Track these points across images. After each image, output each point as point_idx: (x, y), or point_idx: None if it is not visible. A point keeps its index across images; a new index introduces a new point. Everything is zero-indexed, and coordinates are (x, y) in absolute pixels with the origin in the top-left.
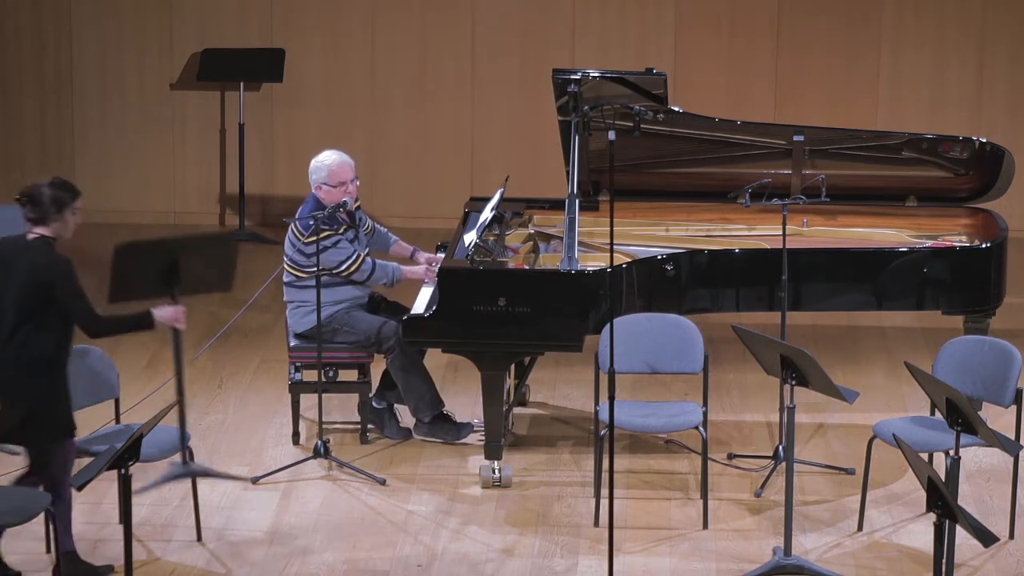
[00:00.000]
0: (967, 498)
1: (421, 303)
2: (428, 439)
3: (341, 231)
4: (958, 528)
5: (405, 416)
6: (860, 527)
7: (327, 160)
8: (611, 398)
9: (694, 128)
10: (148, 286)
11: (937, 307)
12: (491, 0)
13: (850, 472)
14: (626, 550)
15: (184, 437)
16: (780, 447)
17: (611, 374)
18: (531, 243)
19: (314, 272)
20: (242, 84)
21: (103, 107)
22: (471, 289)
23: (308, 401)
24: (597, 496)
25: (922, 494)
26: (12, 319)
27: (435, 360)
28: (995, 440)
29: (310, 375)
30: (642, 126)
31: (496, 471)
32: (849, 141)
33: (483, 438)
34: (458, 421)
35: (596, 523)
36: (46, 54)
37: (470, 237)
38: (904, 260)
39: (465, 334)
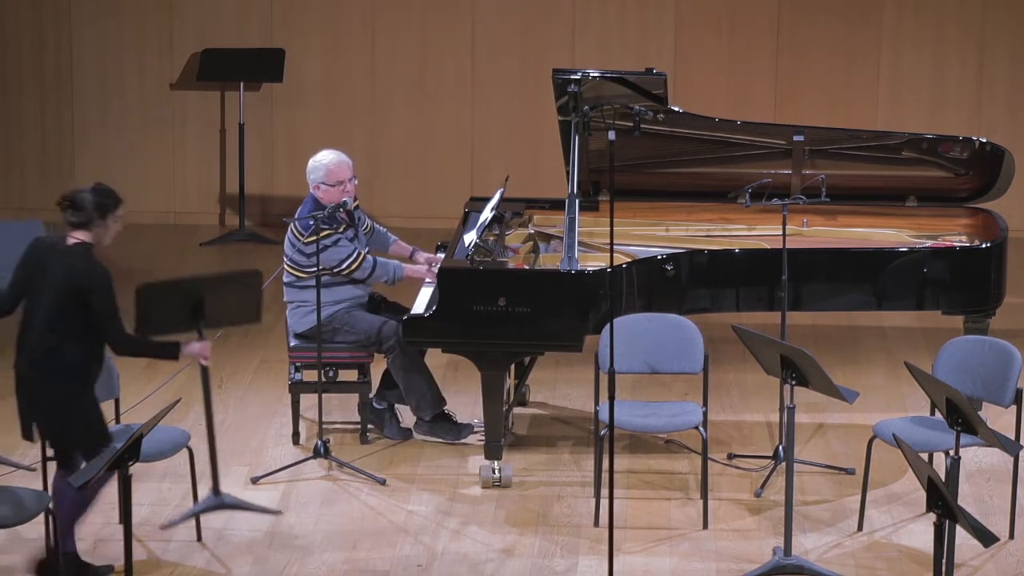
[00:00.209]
0: (967, 498)
1: (421, 303)
2: (428, 439)
3: (341, 230)
4: (958, 528)
5: (406, 416)
6: (860, 527)
7: (325, 160)
8: (611, 398)
9: (694, 128)
10: (173, 324)
11: (937, 307)
12: (491, 0)
13: (850, 472)
14: (626, 550)
15: (215, 472)
16: (780, 447)
17: (611, 374)
18: (531, 243)
19: (314, 272)
20: (242, 84)
21: (103, 107)
22: (471, 289)
23: (308, 401)
24: (597, 496)
25: (922, 494)
26: (43, 325)
27: (435, 360)
28: (995, 440)
29: (310, 375)
30: (642, 126)
31: (496, 471)
32: (849, 141)
33: (483, 438)
34: (458, 422)
35: (596, 523)
36: (46, 54)
37: (470, 237)
38: (904, 260)
39: (465, 334)
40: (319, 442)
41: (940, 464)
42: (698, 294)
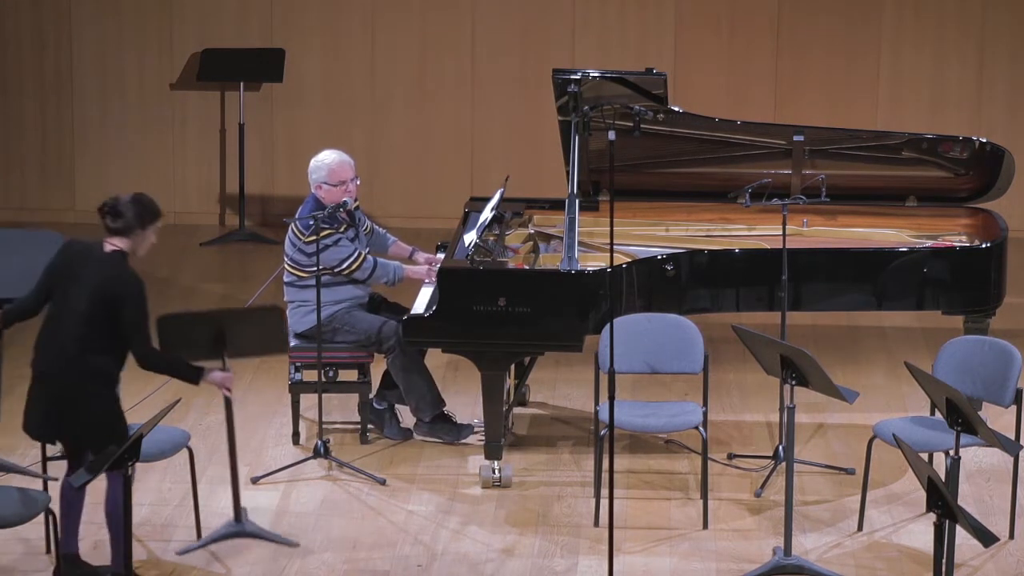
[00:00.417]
0: (967, 498)
1: (421, 303)
2: (428, 439)
3: (342, 230)
4: (958, 528)
5: (406, 416)
6: (860, 527)
7: (327, 159)
8: (611, 398)
9: (694, 128)
10: (195, 353)
11: (937, 307)
12: (491, 0)
13: (850, 472)
14: (626, 550)
15: (237, 499)
16: (780, 447)
17: (611, 374)
18: (531, 243)
19: (315, 272)
20: (242, 84)
21: (103, 107)
22: (471, 289)
23: (308, 401)
24: (597, 496)
25: (922, 494)
26: (73, 328)
27: (435, 360)
28: (995, 440)
29: (310, 375)
30: (642, 126)
31: (496, 471)
32: (849, 141)
33: (483, 438)
34: (458, 423)
35: (596, 523)
36: (46, 54)
37: (470, 237)
38: (904, 260)
39: (465, 334)
40: (319, 442)
41: (940, 464)
42: (698, 294)
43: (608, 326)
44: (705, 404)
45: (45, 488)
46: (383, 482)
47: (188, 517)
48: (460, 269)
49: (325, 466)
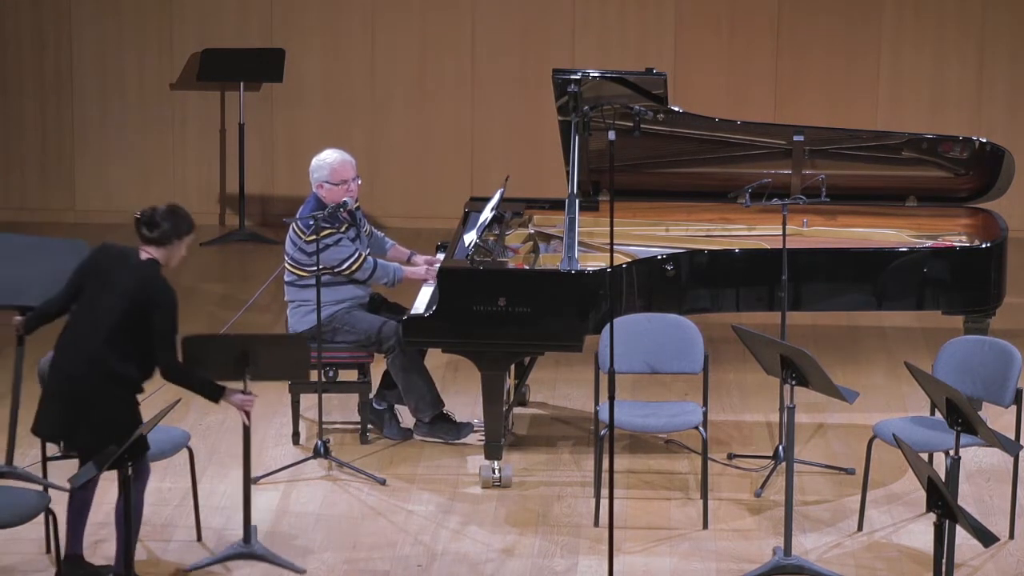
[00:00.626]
0: (967, 498)
1: (421, 303)
2: (428, 439)
3: (343, 230)
4: (958, 528)
5: (405, 416)
6: (860, 527)
7: (329, 159)
8: (611, 398)
9: (694, 128)
10: (217, 373)
11: (937, 307)
12: (491, 0)
13: (850, 472)
14: (626, 550)
15: (248, 520)
16: (780, 447)
17: (611, 374)
18: (531, 243)
19: (315, 271)
20: (242, 84)
21: (103, 107)
22: (471, 289)
23: (308, 401)
24: (597, 496)
25: (922, 494)
26: (102, 331)
27: (435, 360)
28: (995, 440)
29: (310, 375)
30: (642, 126)
31: (496, 471)
32: (849, 141)
33: (483, 438)
34: (458, 421)
35: (596, 523)
36: (46, 54)
37: (470, 237)
38: (904, 260)
39: (465, 334)
40: (319, 442)
41: (940, 464)
42: (698, 294)
43: (608, 326)
44: (705, 404)
45: (46, 489)
46: (383, 482)
47: (188, 517)
48: (460, 269)
49: (325, 466)
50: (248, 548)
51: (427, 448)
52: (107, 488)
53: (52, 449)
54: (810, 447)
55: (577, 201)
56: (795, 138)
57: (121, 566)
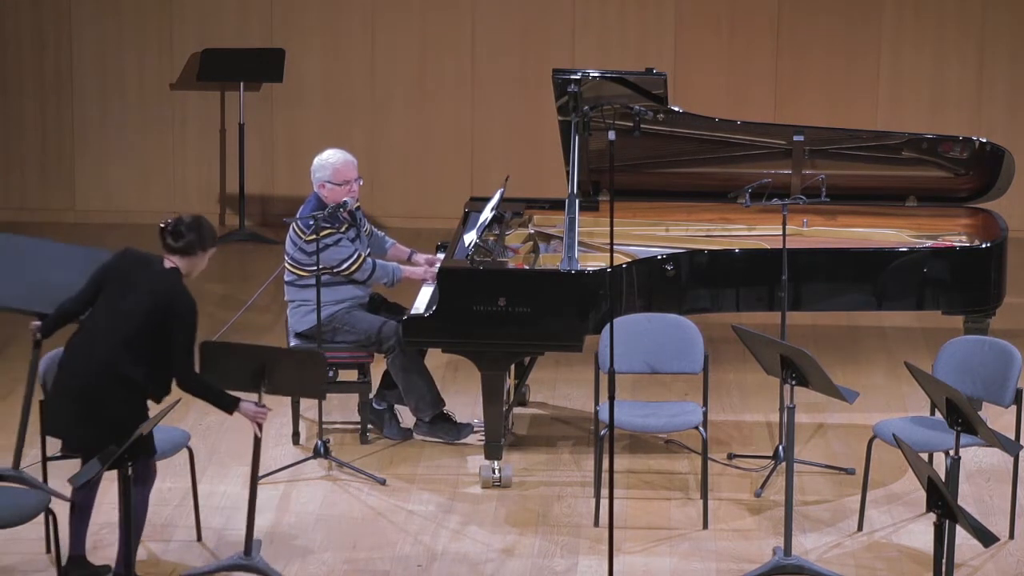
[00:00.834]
0: (967, 498)
1: (421, 303)
2: (428, 439)
3: (343, 230)
4: (958, 528)
5: (405, 416)
6: (860, 527)
7: (332, 159)
8: (611, 398)
9: (694, 128)
10: (233, 383)
11: (937, 307)
12: (491, 0)
13: (850, 472)
14: (626, 550)
15: (250, 532)
16: (780, 447)
17: (611, 374)
18: (531, 243)
19: (315, 271)
20: (242, 84)
21: (103, 107)
22: (471, 289)
23: (308, 401)
24: (597, 496)
25: (922, 494)
26: (118, 334)
27: (435, 360)
28: (995, 440)
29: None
30: (642, 126)
31: (496, 471)
32: (849, 141)
33: (483, 438)
34: (458, 421)
35: (596, 523)
36: (46, 54)
37: (470, 237)
38: (904, 260)
39: (465, 334)
40: (319, 442)
41: (940, 464)
42: (698, 294)
43: (608, 326)
44: (705, 404)
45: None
46: (383, 482)
47: (188, 517)
48: (460, 269)
49: (325, 466)
50: (249, 560)
51: (427, 448)
52: (108, 488)
53: (52, 449)
54: (810, 447)
55: (577, 201)
56: (795, 138)
57: (122, 566)
